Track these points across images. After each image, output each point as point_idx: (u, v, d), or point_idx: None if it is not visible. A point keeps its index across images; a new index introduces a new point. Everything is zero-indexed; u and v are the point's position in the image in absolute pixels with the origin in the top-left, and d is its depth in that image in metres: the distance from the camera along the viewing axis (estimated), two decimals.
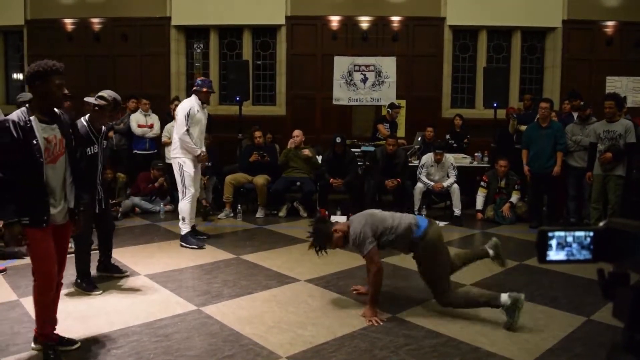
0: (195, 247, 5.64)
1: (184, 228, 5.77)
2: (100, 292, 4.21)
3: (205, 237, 6.03)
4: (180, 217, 5.80)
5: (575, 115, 7.31)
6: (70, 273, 4.48)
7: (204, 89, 5.84)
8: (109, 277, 4.57)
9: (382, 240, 3.72)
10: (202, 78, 6.07)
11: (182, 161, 5.75)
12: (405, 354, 3.13)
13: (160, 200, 7.61)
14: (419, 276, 4.30)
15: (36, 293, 2.99)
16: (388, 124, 8.38)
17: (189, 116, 5.71)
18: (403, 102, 9.63)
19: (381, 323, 3.56)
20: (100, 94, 4.20)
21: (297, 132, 7.70)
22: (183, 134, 5.69)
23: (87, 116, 4.25)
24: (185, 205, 5.77)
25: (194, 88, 5.92)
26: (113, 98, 4.20)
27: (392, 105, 8.43)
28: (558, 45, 9.79)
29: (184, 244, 5.70)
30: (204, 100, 5.89)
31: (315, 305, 3.94)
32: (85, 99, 4.45)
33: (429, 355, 3.12)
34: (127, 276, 4.63)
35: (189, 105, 5.79)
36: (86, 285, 4.23)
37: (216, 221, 7.11)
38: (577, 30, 9.73)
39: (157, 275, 4.67)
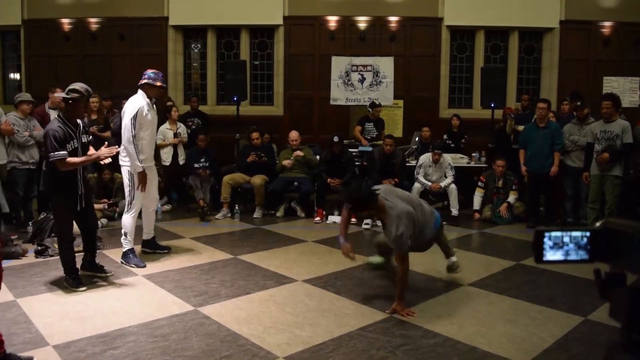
0: (134, 266, 4.87)
1: (126, 245, 4.98)
2: (85, 288, 4.22)
3: (166, 250, 5.42)
4: (122, 231, 5.00)
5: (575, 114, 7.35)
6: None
7: (158, 83, 4.97)
8: (95, 276, 4.55)
9: None
10: (155, 70, 5.06)
11: (132, 170, 4.94)
12: (403, 354, 3.13)
13: (158, 200, 7.59)
14: (415, 276, 4.33)
15: None
16: (372, 123, 8.36)
17: (135, 119, 4.80)
18: (400, 102, 9.64)
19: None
20: (71, 87, 4.22)
21: (294, 136, 7.64)
22: (128, 141, 4.79)
23: (58, 115, 4.29)
24: (127, 220, 4.97)
25: (145, 81, 4.95)
26: (85, 89, 4.24)
27: (372, 105, 8.40)
28: (555, 46, 9.80)
29: (123, 262, 4.95)
30: (155, 97, 5.03)
31: (312, 306, 3.94)
32: (56, 94, 4.48)
33: (427, 355, 3.12)
34: (112, 276, 4.59)
35: (137, 104, 4.84)
36: (72, 281, 4.24)
37: (214, 221, 7.10)
38: (574, 31, 9.74)
39: (155, 275, 4.66)
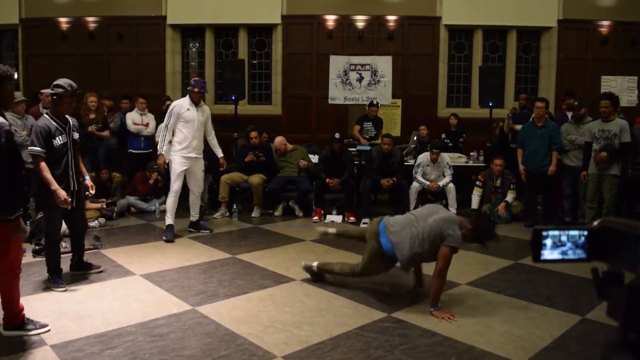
0: (164, 239, 5.87)
1: (166, 221, 6.06)
2: (65, 289, 4.19)
3: (208, 231, 6.36)
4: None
5: (569, 115, 7.35)
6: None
7: (195, 89, 6.00)
8: (86, 274, 4.59)
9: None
10: (196, 79, 6.25)
11: (171, 158, 6.03)
12: (401, 353, 3.13)
13: (156, 200, 7.59)
14: (414, 276, 4.33)
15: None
16: (370, 122, 8.36)
17: (171, 113, 5.96)
18: (399, 102, 9.64)
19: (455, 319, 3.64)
20: (56, 82, 4.28)
21: (277, 144, 7.68)
22: (162, 128, 6.05)
23: (47, 111, 4.40)
24: (167, 200, 6.13)
25: (187, 88, 6.15)
26: (69, 84, 4.29)
27: (370, 104, 8.41)
28: (553, 45, 9.81)
29: (164, 237, 5.93)
30: (195, 101, 6.04)
31: (311, 305, 3.94)
32: (42, 90, 4.59)
33: (425, 354, 3.12)
34: (102, 271, 4.63)
35: (176, 102, 6.10)
36: (54, 282, 4.23)
37: (212, 220, 7.09)
38: (572, 30, 9.75)
39: (153, 274, 4.66)
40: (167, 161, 6.07)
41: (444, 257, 3.69)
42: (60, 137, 4.22)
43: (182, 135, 5.98)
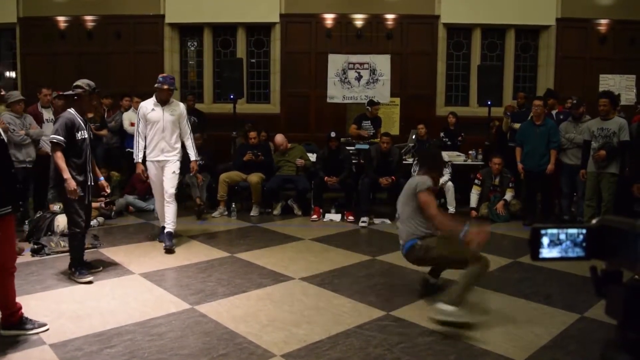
0: (158, 240, 5.70)
1: (161, 223, 5.80)
2: (92, 278, 4.31)
3: (168, 246, 5.38)
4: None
5: (553, 113, 7.40)
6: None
7: (165, 86, 5.41)
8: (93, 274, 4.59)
9: None
10: (164, 75, 5.66)
11: (147, 164, 5.62)
12: (400, 351, 3.13)
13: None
14: (412, 274, 4.33)
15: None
16: (369, 121, 8.35)
17: (139, 118, 5.57)
18: (397, 100, 9.64)
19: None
20: (75, 83, 4.48)
21: (279, 141, 7.67)
22: (135, 134, 5.65)
23: (71, 108, 4.50)
24: (155, 206, 5.99)
25: (155, 85, 5.50)
26: (87, 84, 4.48)
27: (370, 103, 8.38)
28: (552, 44, 9.81)
29: (158, 239, 5.77)
30: (163, 99, 5.47)
31: (309, 304, 3.94)
32: (63, 93, 4.74)
33: (424, 352, 3.12)
34: (100, 271, 4.65)
35: (141, 105, 5.62)
36: (78, 274, 4.34)
37: (210, 219, 7.09)
38: (570, 29, 9.75)
39: (151, 273, 4.65)
40: (143, 169, 5.63)
41: (424, 203, 3.81)
42: (82, 132, 4.40)
43: (149, 138, 5.50)
